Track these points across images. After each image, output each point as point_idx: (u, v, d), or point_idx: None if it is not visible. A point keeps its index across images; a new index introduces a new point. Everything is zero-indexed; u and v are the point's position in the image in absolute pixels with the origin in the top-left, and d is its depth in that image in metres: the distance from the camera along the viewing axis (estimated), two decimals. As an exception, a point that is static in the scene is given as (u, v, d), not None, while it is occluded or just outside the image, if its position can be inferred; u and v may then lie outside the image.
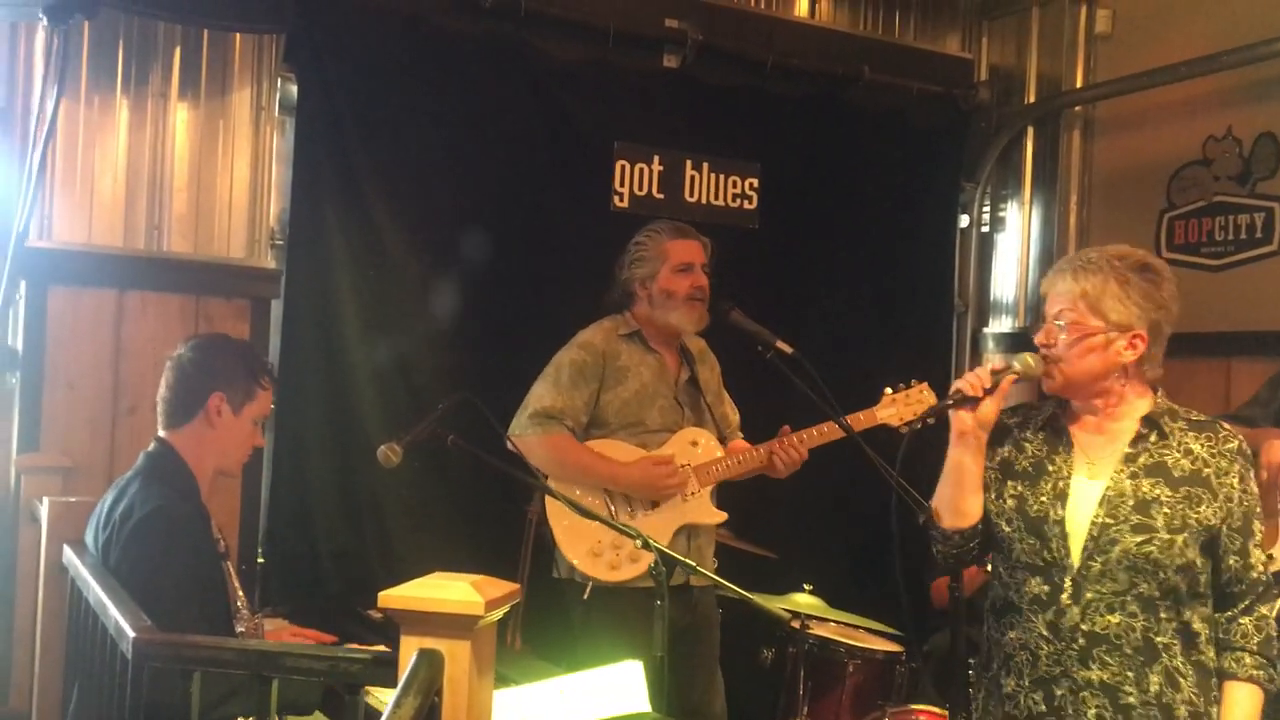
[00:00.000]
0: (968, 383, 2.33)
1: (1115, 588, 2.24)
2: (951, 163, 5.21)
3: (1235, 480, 2.27)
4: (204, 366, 2.64)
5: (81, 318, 3.62)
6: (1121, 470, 2.30)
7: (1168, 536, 2.22)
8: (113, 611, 2.18)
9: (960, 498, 2.39)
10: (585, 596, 3.30)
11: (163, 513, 2.48)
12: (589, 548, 3.31)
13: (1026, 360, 2.30)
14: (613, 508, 3.33)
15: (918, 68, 5.05)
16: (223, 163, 3.85)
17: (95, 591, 2.35)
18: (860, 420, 3.46)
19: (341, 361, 3.95)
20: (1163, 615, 2.24)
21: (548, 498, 3.23)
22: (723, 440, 3.56)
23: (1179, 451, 2.29)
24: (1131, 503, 2.26)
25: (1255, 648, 2.25)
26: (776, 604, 3.64)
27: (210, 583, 2.52)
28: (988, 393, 2.31)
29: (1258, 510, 2.29)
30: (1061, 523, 2.30)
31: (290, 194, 3.95)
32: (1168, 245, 4.63)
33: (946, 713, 3.18)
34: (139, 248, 3.72)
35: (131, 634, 2.03)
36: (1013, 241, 5.29)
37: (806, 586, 3.87)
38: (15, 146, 3.56)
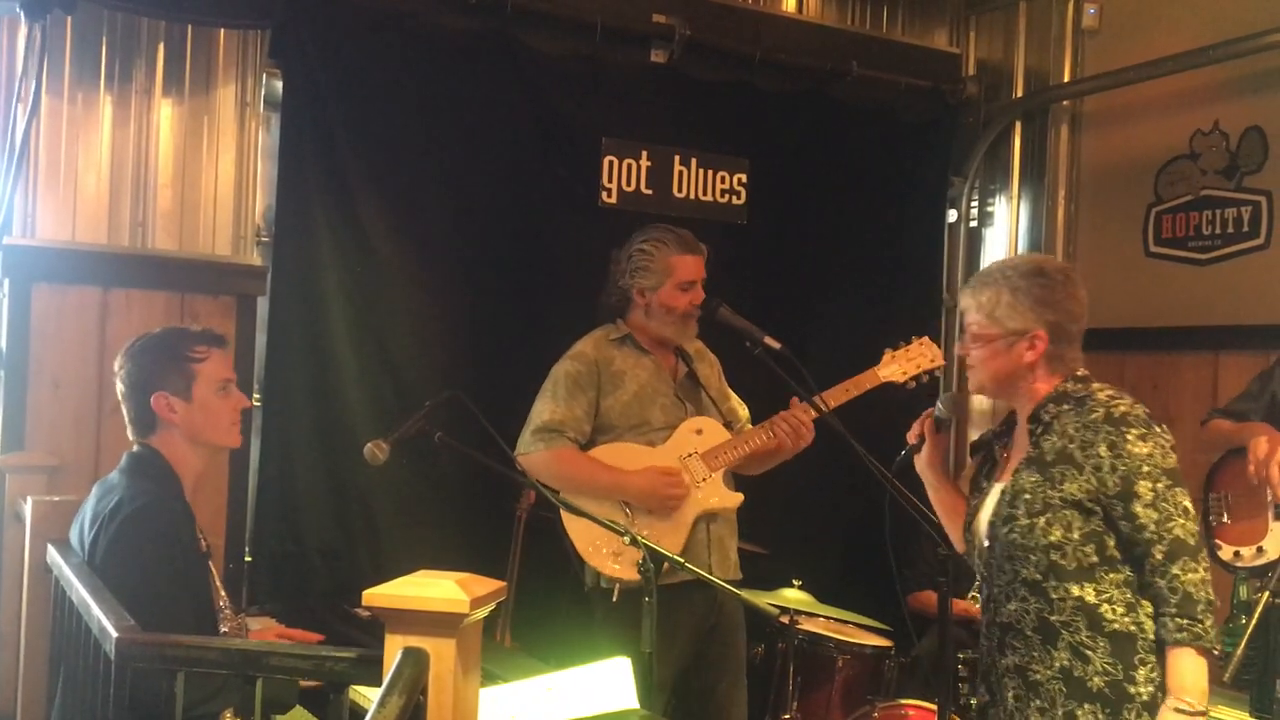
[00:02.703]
0: (910, 434, 2.70)
1: (1006, 578, 2.43)
2: (939, 157, 5.22)
3: (1103, 449, 2.30)
4: (134, 377, 2.59)
5: (66, 315, 3.60)
6: (1016, 469, 2.45)
7: (1027, 521, 2.37)
8: (96, 611, 2.16)
9: (948, 527, 2.71)
10: (615, 600, 3.27)
11: (150, 510, 2.46)
12: (609, 551, 3.25)
13: (938, 405, 2.66)
14: (629, 510, 3.30)
15: (905, 63, 5.05)
16: (207, 159, 3.83)
17: (79, 591, 2.34)
18: (862, 382, 3.45)
19: (328, 358, 3.94)
20: (1053, 596, 2.35)
21: (563, 511, 3.20)
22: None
23: (1056, 435, 2.38)
24: (1009, 497, 2.42)
25: (1174, 609, 2.25)
26: (766, 599, 3.63)
27: (195, 582, 2.51)
28: (921, 439, 2.67)
29: (1145, 470, 2.28)
30: (975, 532, 2.55)
31: (276, 190, 3.94)
32: (1155, 239, 4.64)
33: (935, 707, 3.18)
34: (123, 245, 3.70)
35: (114, 634, 2.02)
36: (1001, 236, 5.29)
37: (796, 582, 3.87)
38: (-3, 143, 3.53)
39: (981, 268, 5.26)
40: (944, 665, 2.84)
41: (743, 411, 3.65)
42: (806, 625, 3.76)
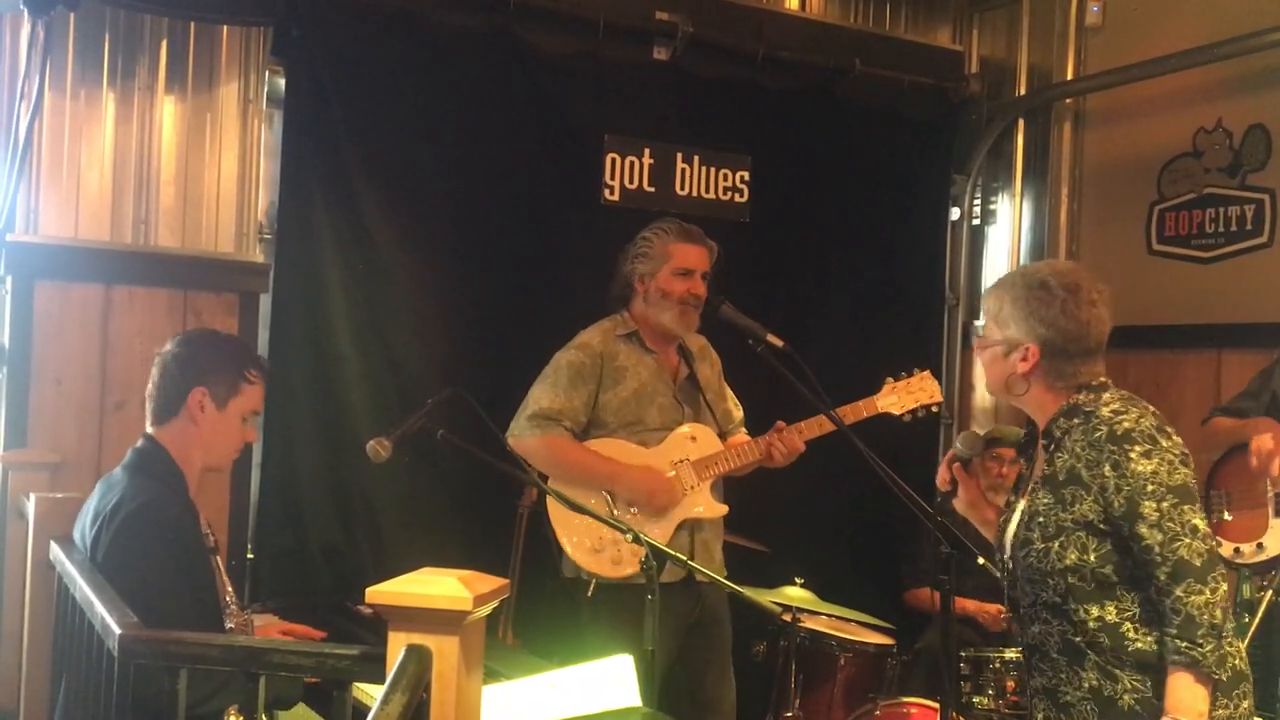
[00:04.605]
0: (939, 479, 2.62)
1: (1029, 600, 2.39)
2: (942, 155, 5.21)
3: (1107, 469, 2.24)
4: (187, 362, 2.61)
5: (69, 312, 3.60)
6: (1033, 488, 2.40)
7: (1042, 545, 2.32)
8: (99, 608, 2.16)
9: None
10: (590, 594, 3.29)
11: (152, 507, 2.47)
12: (590, 545, 3.30)
13: (957, 445, 2.59)
14: (613, 505, 3.32)
15: (909, 60, 5.04)
16: (210, 156, 3.83)
17: (82, 588, 2.34)
18: (860, 409, 3.46)
19: (331, 356, 3.94)
20: (1075, 618, 2.29)
21: (549, 499, 3.22)
22: (724, 437, 3.56)
23: (1067, 453, 2.31)
24: (1027, 519, 2.37)
25: (1174, 631, 2.18)
26: (768, 597, 3.64)
27: (200, 578, 2.51)
28: (954, 483, 2.59)
29: (1149, 489, 2.20)
30: (1000, 550, 2.48)
31: (279, 187, 3.93)
32: (1158, 237, 4.63)
33: (938, 705, 3.18)
34: (126, 242, 3.70)
35: (117, 631, 2.02)
36: (1003, 234, 5.29)
37: (798, 580, 3.87)
38: None
39: (985, 266, 5.34)
40: (946, 663, 2.83)
41: (737, 413, 3.66)
42: (809, 623, 3.76)
